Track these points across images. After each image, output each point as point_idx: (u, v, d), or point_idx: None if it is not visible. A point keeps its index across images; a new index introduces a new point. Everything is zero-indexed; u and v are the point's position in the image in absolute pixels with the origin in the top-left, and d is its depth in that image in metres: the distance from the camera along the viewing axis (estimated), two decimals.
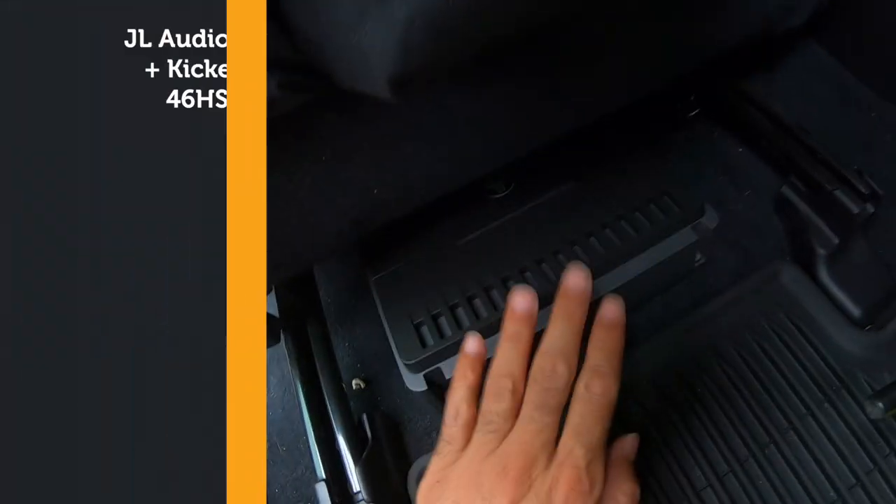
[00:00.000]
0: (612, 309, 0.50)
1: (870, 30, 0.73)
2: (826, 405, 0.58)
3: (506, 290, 0.60)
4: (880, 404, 0.51)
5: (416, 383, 0.59)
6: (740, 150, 0.78)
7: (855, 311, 0.64)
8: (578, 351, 0.47)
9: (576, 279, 0.50)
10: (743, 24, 0.61)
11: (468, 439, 0.45)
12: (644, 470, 0.56)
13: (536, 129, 0.57)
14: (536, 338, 0.49)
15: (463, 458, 0.44)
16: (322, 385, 0.67)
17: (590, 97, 0.57)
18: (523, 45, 0.50)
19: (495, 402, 0.45)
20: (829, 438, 0.57)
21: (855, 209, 0.64)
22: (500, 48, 0.40)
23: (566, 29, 0.49)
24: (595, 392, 0.45)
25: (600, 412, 0.45)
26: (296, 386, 0.67)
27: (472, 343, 0.51)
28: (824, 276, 0.66)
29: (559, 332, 0.47)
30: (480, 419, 0.45)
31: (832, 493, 0.54)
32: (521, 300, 0.50)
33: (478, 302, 0.61)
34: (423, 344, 0.59)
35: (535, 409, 0.44)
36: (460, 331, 0.59)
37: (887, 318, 0.63)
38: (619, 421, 0.58)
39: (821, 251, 0.66)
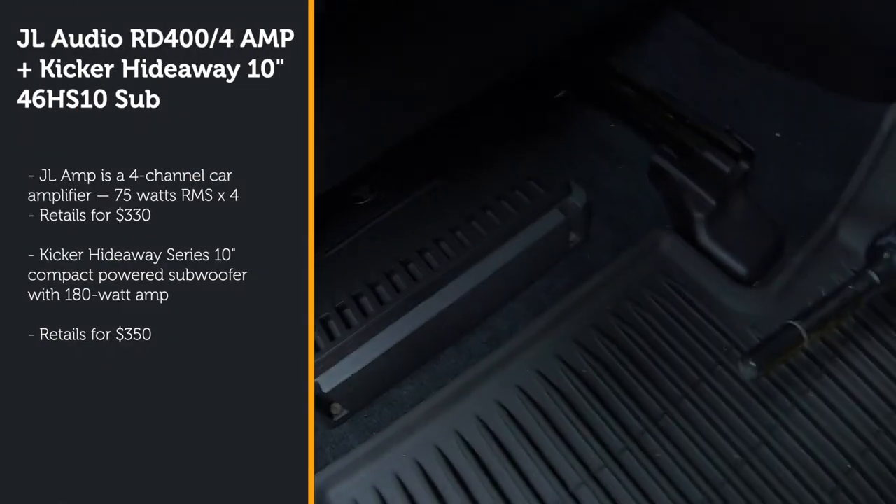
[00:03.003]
0: None
1: None
2: (719, 368, 0.57)
3: (375, 296, 0.59)
4: (752, 363, 0.49)
5: None
6: (612, 125, 0.77)
7: (741, 269, 0.63)
8: None
9: None
10: None
11: None
12: (536, 459, 0.54)
13: (397, 115, 0.55)
14: None
15: None
16: None
17: (455, 73, 0.55)
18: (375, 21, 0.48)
19: None
20: (726, 401, 0.55)
21: (726, 168, 0.63)
22: None
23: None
24: None
25: None
26: None
27: None
28: (705, 238, 0.65)
29: None
30: None
31: (735, 455, 0.53)
32: None
33: (348, 312, 0.59)
34: None
35: None
36: (332, 343, 0.57)
37: (775, 272, 0.63)
38: (507, 413, 0.57)
39: (698, 215, 0.65)
